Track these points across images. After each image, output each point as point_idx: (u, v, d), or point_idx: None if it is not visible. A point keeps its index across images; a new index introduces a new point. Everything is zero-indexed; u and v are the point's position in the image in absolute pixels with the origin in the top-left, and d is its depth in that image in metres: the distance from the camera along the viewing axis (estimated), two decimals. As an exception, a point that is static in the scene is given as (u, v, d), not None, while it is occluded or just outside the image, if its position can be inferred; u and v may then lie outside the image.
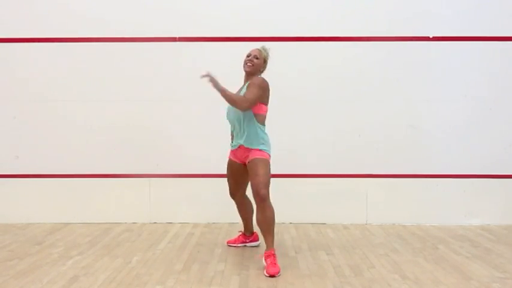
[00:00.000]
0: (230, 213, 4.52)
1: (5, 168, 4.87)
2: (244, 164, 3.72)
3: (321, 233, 4.53)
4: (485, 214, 4.85)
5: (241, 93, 3.66)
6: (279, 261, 3.52)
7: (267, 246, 3.54)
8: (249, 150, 3.65)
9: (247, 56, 3.74)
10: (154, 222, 4.89)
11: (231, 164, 3.87)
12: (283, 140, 3.90)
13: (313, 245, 4.13)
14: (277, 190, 4.11)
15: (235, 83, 3.89)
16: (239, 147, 3.71)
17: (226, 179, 3.95)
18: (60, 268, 3.50)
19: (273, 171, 3.89)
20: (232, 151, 3.83)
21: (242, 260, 3.70)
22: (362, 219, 4.89)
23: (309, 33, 4.80)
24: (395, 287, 3.16)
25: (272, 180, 3.91)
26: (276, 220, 3.58)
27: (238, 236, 4.16)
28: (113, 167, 4.87)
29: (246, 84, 3.67)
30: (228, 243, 4.16)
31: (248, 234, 4.12)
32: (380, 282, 3.23)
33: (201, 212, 4.88)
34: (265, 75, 4.00)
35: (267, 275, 3.37)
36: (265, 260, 3.49)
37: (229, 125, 3.85)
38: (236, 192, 3.96)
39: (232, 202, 4.05)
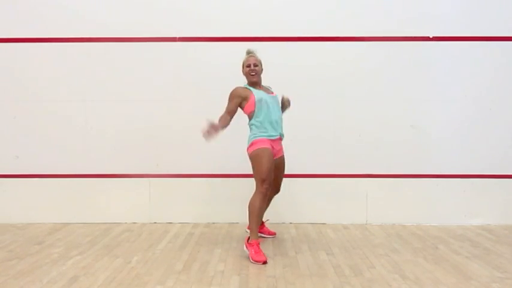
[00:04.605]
0: (230, 213, 4.53)
1: (5, 168, 4.87)
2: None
3: (321, 233, 4.53)
4: (485, 214, 4.85)
5: (267, 97, 3.86)
6: (279, 261, 3.63)
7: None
8: (281, 143, 3.99)
9: (247, 66, 3.90)
10: (154, 222, 4.89)
11: (272, 154, 3.81)
12: (283, 139, 3.94)
13: (313, 245, 4.13)
14: (277, 190, 4.14)
15: (235, 82, 3.91)
16: (279, 137, 3.93)
17: (264, 170, 3.74)
18: (60, 268, 3.50)
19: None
20: (270, 140, 3.84)
21: (242, 260, 3.70)
22: (362, 219, 4.89)
23: (309, 33, 4.80)
24: (395, 287, 3.16)
25: (272, 180, 3.98)
26: (276, 220, 3.86)
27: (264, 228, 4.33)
28: (113, 167, 4.87)
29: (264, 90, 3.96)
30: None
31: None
32: (380, 282, 3.23)
33: (201, 212, 4.87)
34: (264, 75, 4.01)
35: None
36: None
37: (261, 124, 3.84)
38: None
39: (232, 202, 4.05)
